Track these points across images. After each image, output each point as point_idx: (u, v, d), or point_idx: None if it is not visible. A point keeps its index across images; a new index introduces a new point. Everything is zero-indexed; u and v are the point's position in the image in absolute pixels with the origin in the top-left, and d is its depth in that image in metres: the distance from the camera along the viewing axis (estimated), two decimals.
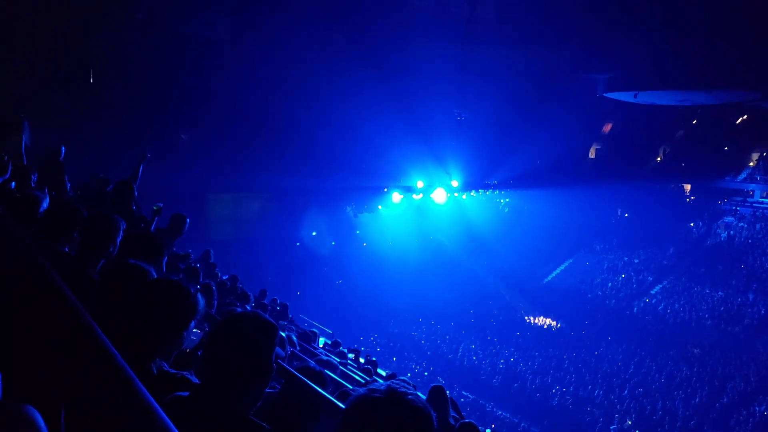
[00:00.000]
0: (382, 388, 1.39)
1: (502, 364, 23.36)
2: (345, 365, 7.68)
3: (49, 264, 2.08)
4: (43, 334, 1.67)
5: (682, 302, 26.31)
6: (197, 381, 2.04)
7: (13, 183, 4.92)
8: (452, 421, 5.46)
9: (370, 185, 26.81)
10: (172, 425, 1.11)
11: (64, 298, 1.78)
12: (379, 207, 28.73)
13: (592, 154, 33.15)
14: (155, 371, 2.00)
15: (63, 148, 7.35)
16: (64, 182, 7.13)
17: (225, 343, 1.82)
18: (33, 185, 5.31)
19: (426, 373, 22.22)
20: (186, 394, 1.88)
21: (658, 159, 33.44)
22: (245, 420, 1.78)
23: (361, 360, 10.93)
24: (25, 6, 12.01)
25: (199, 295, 2.16)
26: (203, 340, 2.68)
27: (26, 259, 2.10)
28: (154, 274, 2.59)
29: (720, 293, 25.93)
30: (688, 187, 33.01)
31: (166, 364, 2.08)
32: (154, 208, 6.23)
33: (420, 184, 27.75)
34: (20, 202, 3.78)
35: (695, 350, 22.84)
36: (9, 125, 6.74)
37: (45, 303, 1.79)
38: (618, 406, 19.54)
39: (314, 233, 27.06)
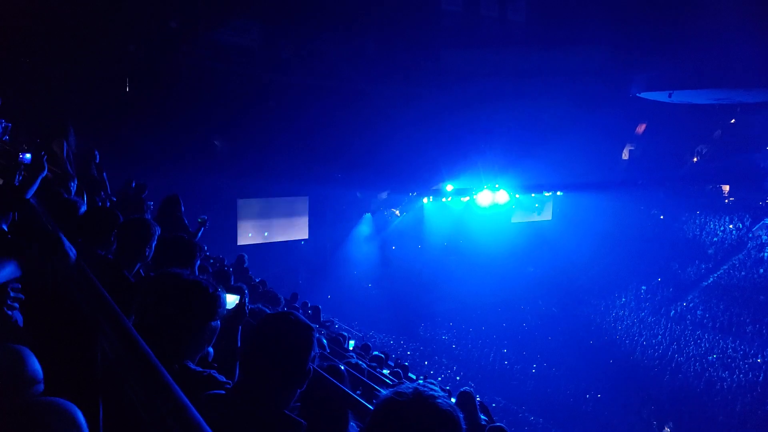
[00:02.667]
0: (409, 390, 1.40)
1: (534, 369, 23.06)
2: (375, 368, 7.70)
3: (89, 267, 2.16)
4: (83, 334, 1.74)
5: (721, 306, 25.54)
6: (222, 378, 2.08)
7: (54, 189, 5.10)
8: (481, 423, 5.43)
9: (402, 189, 26.81)
10: (203, 422, 1.14)
11: (103, 301, 1.85)
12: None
13: (625, 156, 32.48)
14: (178, 369, 2.04)
15: (97, 152, 7.59)
16: (104, 187, 7.35)
17: (265, 343, 1.86)
18: (73, 191, 5.49)
19: (458, 378, 22.07)
20: (222, 392, 1.94)
21: (695, 159, 32.57)
22: (283, 417, 1.81)
23: (391, 364, 10.93)
24: (65, 17, 12.41)
25: (220, 294, 2.21)
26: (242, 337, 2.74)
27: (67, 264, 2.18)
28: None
29: (761, 297, 25.09)
30: (726, 188, 32.05)
31: (191, 363, 2.13)
32: (199, 219, 6.41)
33: (450, 188, 27.60)
34: (60, 208, 3.92)
35: (735, 356, 22.15)
36: (55, 128, 7.00)
37: (86, 306, 1.86)
38: (656, 413, 19.09)
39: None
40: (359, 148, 21.56)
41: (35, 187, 4.02)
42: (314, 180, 21.82)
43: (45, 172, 4.15)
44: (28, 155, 5.17)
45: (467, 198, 27.97)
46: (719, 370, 21.34)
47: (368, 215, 27.67)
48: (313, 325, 1.97)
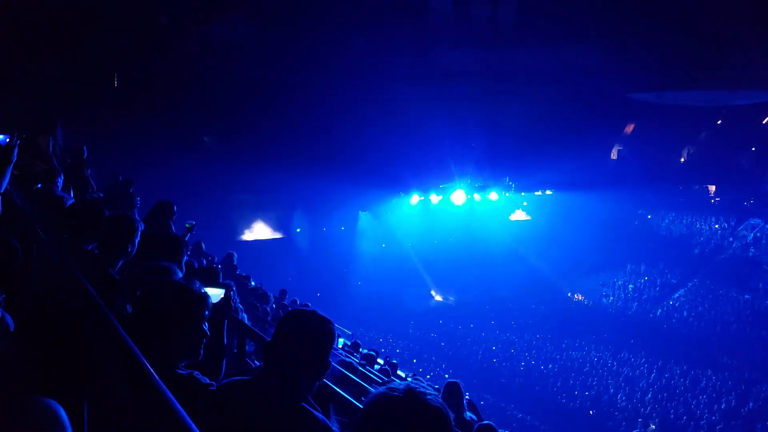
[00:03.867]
0: (401, 387, 1.41)
1: (522, 366, 23.19)
2: (364, 366, 7.70)
3: (74, 263, 2.14)
4: (67, 332, 1.72)
5: (706, 305, 25.84)
6: (205, 380, 2.10)
7: (39, 185, 5.04)
8: (467, 418, 5.45)
9: (389, 188, 26.80)
10: (190, 420, 1.13)
11: (89, 298, 1.83)
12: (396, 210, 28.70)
13: (613, 155, 32.71)
14: (173, 369, 2.04)
15: (85, 148, 7.52)
16: (89, 183, 7.28)
17: (291, 335, 1.98)
18: (60, 187, 5.43)
19: (446, 375, 22.15)
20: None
21: (682, 160, 32.87)
22: (302, 405, 1.90)
23: (380, 361, 10.94)
24: (53, 11, 12.26)
25: (207, 296, 2.23)
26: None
27: (53, 262, 2.16)
28: (179, 272, 2.65)
29: (746, 296, 25.41)
30: (712, 188, 32.40)
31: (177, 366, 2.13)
32: (187, 225, 6.34)
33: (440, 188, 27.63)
34: (48, 204, 3.87)
35: (720, 354, 22.42)
36: (41, 124, 6.91)
37: (71, 302, 1.84)
38: (641, 411, 19.26)
39: (343, 228, 27.18)
40: (351, 146, 21.52)
41: (6, 179, 3.82)
42: (305, 177, 21.75)
43: (12, 164, 3.93)
44: (1, 136, 5.01)
45: (440, 198, 27.89)
46: (704, 368, 21.59)
47: (360, 213, 27.68)
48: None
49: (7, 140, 3.55)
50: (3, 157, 3.42)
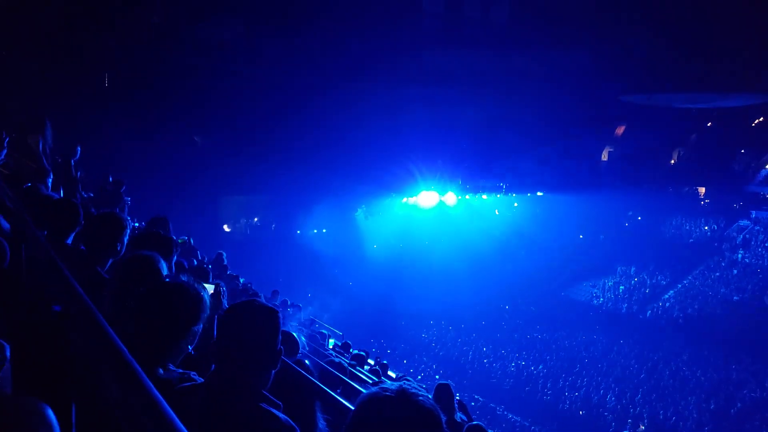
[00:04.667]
0: (393, 387, 1.40)
1: (512, 367, 23.26)
2: (354, 366, 7.69)
3: (60, 260, 2.12)
4: (54, 331, 1.71)
5: (696, 306, 26.03)
6: (201, 380, 2.07)
7: (29, 183, 5.00)
8: (458, 419, 5.46)
9: (380, 189, 26.80)
10: (178, 421, 1.12)
11: (76, 297, 1.82)
12: (388, 211, 28.73)
13: (604, 157, 32.92)
14: (161, 372, 2.03)
15: (79, 149, 7.47)
16: (78, 183, 7.23)
17: (233, 330, 1.93)
18: (49, 186, 5.39)
19: (437, 376, 22.17)
20: (200, 381, 2.00)
21: (672, 162, 33.12)
22: (260, 406, 1.85)
23: (371, 362, 10.93)
24: (42, 10, 12.17)
25: (206, 297, 2.20)
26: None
27: (40, 261, 2.14)
28: (165, 267, 2.63)
29: (735, 298, 25.63)
30: (702, 190, 32.68)
31: (171, 365, 2.11)
32: (180, 240, 6.29)
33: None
34: (36, 204, 3.84)
35: (709, 355, 22.58)
36: (30, 123, 6.85)
37: (59, 301, 1.83)
38: (631, 411, 19.37)
39: (325, 229, 27.10)
40: (342, 146, 21.51)
41: None
42: (296, 178, 21.73)
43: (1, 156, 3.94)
44: None
45: (435, 199, 27.87)
46: (693, 368, 21.74)
47: (353, 214, 27.66)
48: (291, 323, 2.00)
49: None
50: None
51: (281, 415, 1.86)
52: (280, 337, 2.00)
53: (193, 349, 2.46)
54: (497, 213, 32.65)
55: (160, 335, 2.08)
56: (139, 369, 1.28)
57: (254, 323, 1.94)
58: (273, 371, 1.97)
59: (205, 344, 2.67)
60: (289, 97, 19.80)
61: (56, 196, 4.54)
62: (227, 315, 1.98)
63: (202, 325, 2.20)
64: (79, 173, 7.66)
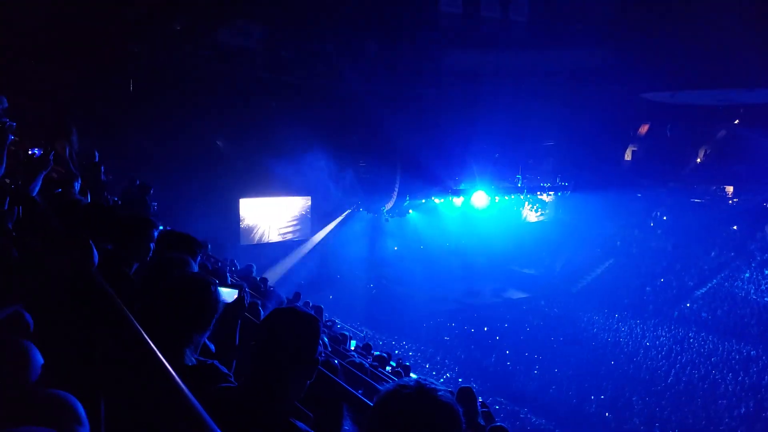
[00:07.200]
0: (411, 383, 1.41)
1: (536, 370, 23.01)
2: (376, 368, 7.70)
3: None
4: (86, 328, 1.75)
5: (725, 308, 25.46)
6: (224, 369, 2.11)
7: (59, 189, 5.12)
8: (481, 423, 5.42)
9: (402, 190, 26.77)
10: (206, 414, 1.14)
11: (106, 296, 1.86)
12: (410, 212, 28.63)
13: (628, 156, 32.42)
14: (187, 362, 2.08)
15: (96, 152, 7.63)
16: (105, 187, 7.36)
17: (273, 337, 1.90)
18: (77, 191, 5.51)
19: (460, 379, 22.04)
20: (235, 385, 2.00)
21: (698, 160, 32.47)
22: (289, 421, 1.84)
23: (393, 364, 10.93)
24: (70, 19, 12.45)
25: (218, 290, 2.27)
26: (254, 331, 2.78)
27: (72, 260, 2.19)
28: (195, 266, 2.69)
29: (766, 299, 25.00)
30: (730, 189, 31.92)
31: (194, 353, 2.17)
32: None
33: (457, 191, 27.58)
34: (65, 208, 3.93)
35: (740, 358, 22.07)
36: (58, 129, 7.03)
37: (89, 299, 1.87)
38: (658, 414, 19.03)
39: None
40: (362, 148, 21.56)
41: (38, 185, 4.04)
42: (317, 180, 21.86)
43: (47, 170, 4.18)
44: (37, 150, 5.24)
45: (461, 199, 27.85)
46: (723, 372, 21.26)
47: (371, 216, 27.65)
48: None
49: (42, 151, 4.11)
50: (41, 164, 3.97)
51: (306, 428, 1.85)
52: (320, 348, 1.98)
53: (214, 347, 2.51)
54: (538, 206, 32.34)
55: (178, 324, 2.16)
56: (166, 363, 1.30)
57: (295, 330, 1.91)
58: (308, 382, 1.94)
59: (225, 344, 2.72)
60: (310, 102, 19.95)
61: (85, 201, 4.64)
62: (268, 320, 1.96)
63: (215, 317, 2.26)
64: (110, 177, 7.81)
